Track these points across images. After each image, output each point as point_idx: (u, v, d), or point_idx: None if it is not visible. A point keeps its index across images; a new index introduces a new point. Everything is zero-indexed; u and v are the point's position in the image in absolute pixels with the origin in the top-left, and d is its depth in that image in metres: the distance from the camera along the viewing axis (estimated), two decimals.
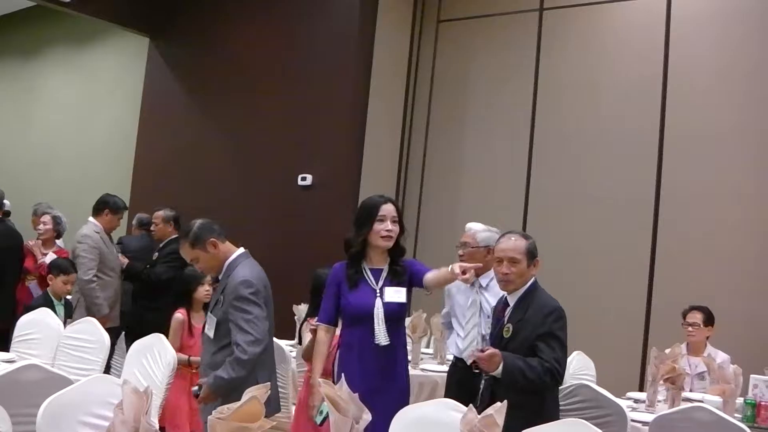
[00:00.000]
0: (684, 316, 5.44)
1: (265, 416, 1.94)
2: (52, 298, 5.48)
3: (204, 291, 4.85)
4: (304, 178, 7.64)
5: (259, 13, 8.34)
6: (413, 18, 8.11)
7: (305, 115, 7.73)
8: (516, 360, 3.31)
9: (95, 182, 10.02)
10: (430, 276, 3.62)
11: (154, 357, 4.13)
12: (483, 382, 3.59)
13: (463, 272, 3.34)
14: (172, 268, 6.30)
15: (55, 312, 5.09)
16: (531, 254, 3.54)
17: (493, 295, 4.42)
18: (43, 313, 4.96)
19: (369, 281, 3.66)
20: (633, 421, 3.80)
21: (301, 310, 6.03)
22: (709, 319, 5.38)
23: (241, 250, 3.85)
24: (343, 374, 2.60)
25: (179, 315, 4.85)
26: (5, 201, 6.42)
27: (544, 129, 7.19)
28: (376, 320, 3.56)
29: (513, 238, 3.57)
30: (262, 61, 8.20)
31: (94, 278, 5.95)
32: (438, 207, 7.69)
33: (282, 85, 7.98)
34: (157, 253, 6.59)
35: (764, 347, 5.71)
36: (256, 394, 1.93)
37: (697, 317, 5.38)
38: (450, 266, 3.43)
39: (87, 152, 10.81)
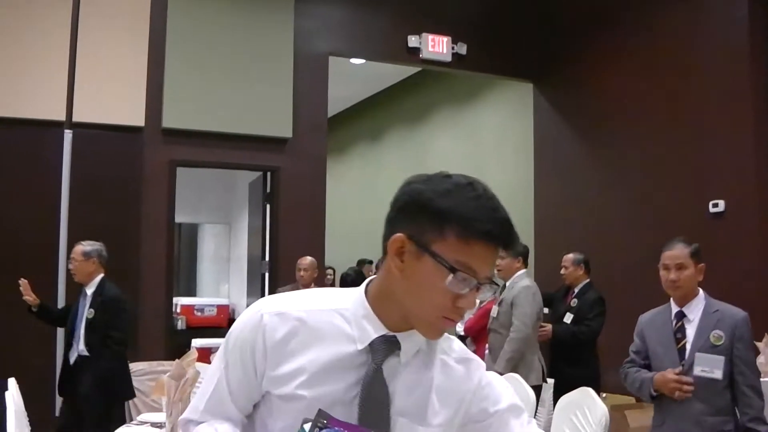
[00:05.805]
0: None
1: None
2: None
3: None
4: (715, 205, 6.83)
5: (642, 46, 7.86)
6: None
7: (701, 142, 7.03)
8: None
9: None
10: None
11: (584, 413, 3.91)
12: None
13: None
14: (600, 318, 6.13)
15: None
16: None
17: None
18: None
19: None
20: None
21: None
22: None
23: None
24: None
25: None
26: None
27: None
28: None
29: None
30: (650, 93, 7.67)
31: None
32: None
33: (673, 116, 7.37)
34: (576, 300, 6.30)
35: None
36: None
37: None
38: None
39: None
